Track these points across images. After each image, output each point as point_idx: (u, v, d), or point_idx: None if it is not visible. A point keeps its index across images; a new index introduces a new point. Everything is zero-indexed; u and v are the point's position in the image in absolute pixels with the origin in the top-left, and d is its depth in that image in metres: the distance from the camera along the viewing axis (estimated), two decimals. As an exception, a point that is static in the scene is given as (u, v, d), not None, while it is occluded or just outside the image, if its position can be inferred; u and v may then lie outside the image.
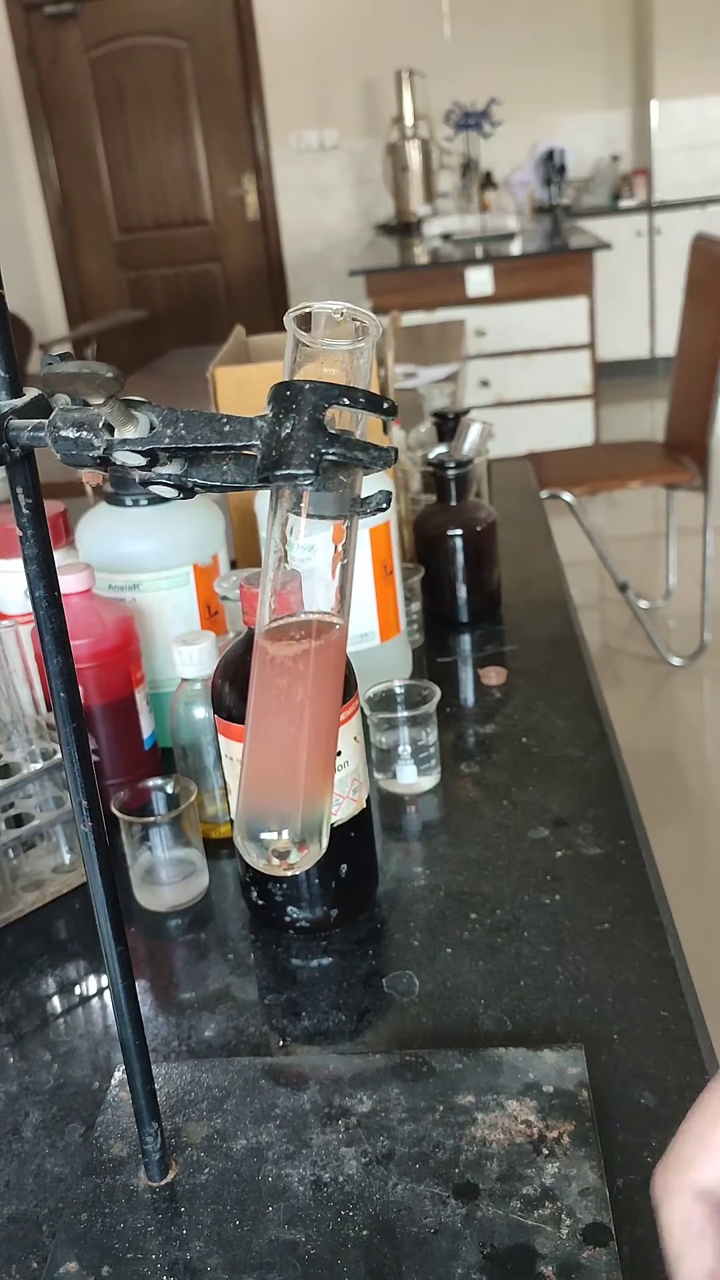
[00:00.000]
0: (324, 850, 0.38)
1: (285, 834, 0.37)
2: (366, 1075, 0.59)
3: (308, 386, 0.35)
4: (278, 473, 0.35)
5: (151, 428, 0.36)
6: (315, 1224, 0.52)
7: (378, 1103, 0.57)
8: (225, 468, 0.37)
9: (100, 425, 0.36)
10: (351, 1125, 0.56)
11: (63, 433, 0.36)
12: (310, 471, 0.35)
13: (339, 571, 0.38)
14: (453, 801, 0.88)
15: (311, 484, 0.35)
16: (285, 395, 0.35)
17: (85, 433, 0.36)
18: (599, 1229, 0.49)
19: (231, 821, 0.74)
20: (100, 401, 0.36)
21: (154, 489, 0.38)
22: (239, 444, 0.36)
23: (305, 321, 0.37)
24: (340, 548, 0.38)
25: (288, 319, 0.37)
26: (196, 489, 0.38)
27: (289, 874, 0.38)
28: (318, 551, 0.38)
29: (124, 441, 0.36)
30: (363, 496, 0.37)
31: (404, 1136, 0.55)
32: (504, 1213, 0.51)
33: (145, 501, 0.95)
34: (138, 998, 0.52)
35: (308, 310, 0.37)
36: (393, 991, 0.69)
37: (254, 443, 0.36)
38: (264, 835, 0.37)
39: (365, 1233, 0.51)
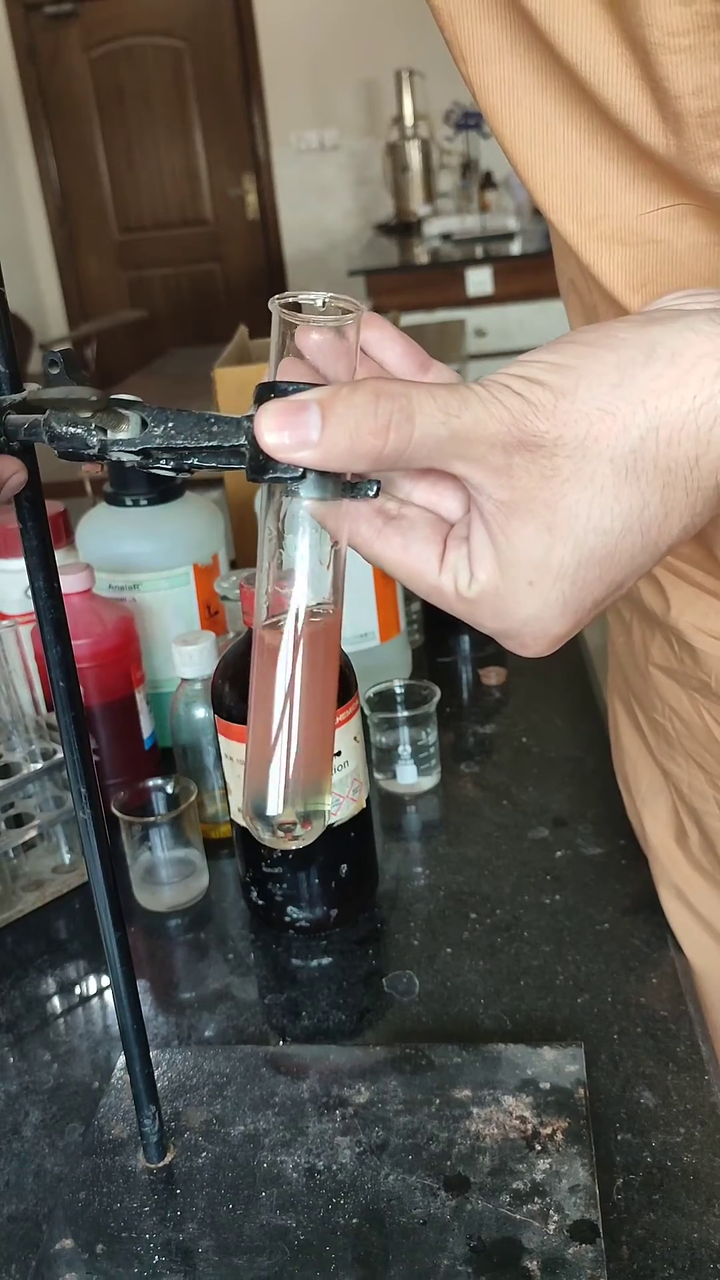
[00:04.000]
0: (326, 824, 0.40)
1: (289, 808, 0.39)
2: (365, 1066, 0.60)
3: (291, 388, 0.35)
4: (266, 476, 0.36)
5: (143, 425, 0.37)
6: (306, 1211, 0.52)
7: (375, 1094, 0.58)
8: (220, 456, 0.38)
9: (93, 428, 0.37)
10: (348, 1115, 0.57)
11: (57, 430, 0.37)
12: (298, 474, 0.35)
13: (332, 557, 0.39)
14: (453, 801, 0.88)
15: (301, 483, 0.36)
16: (269, 398, 0.35)
17: (80, 429, 0.37)
18: (586, 1226, 0.50)
19: (231, 821, 0.75)
20: (88, 415, 0.37)
21: (153, 471, 0.39)
22: (227, 444, 0.36)
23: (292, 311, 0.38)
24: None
25: (273, 303, 0.38)
26: (194, 468, 0.38)
27: (294, 846, 0.40)
28: (310, 539, 0.38)
29: (117, 442, 0.37)
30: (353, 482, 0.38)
31: (399, 1128, 0.56)
32: (493, 1206, 0.51)
33: (145, 501, 0.96)
34: (135, 981, 0.53)
35: (294, 300, 0.38)
36: (393, 991, 0.69)
37: (242, 442, 0.36)
38: (268, 810, 0.39)
39: (355, 1221, 0.51)
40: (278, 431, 0.34)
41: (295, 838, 0.39)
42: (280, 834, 0.39)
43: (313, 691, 0.39)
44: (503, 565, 0.37)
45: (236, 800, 0.73)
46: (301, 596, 0.38)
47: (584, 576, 0.36)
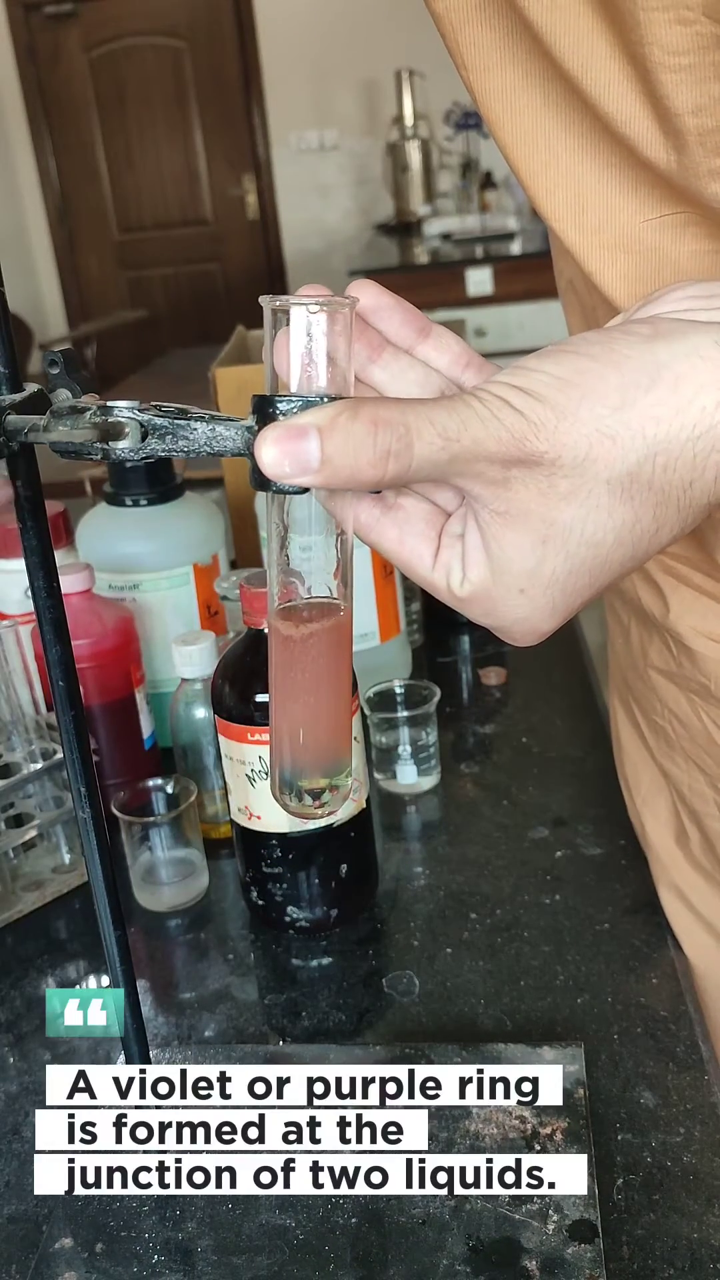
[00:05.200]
0: (351, 793, 0.42)
1: (315, 777, 0.41)
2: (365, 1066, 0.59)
3: (289, 404, 0.35)
4: (270, 489, 0.36)
5: (143, 435, 0.37)
6: (305, 1210, 0.52)
7: None
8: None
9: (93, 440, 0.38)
10: None
11: (56, 435, 0.38)
12: (301, 489, 0.36)
13: (339, 545, 0.40)
14: (453, 801, 0.88)
15: (303, 494, 0.36)
16: (268, 412, 0.36)
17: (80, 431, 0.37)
18: (585, 1226, 0.50)
19: (232, 821, 0.75)
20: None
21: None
22: (227, 451, 0.37)
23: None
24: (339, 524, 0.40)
25: (264, 300, 0.38)
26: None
27: (321, 815, 0.43)
28: (316, 528, 0.39)
29: (118, 449, 0.37)
30: None
31: None
32: (492, 1206, 0.51)
33: (145, 501, 0.96)
34: (135, 981, 0.53)
35: (284, 307, 0.38)
36: (393, 991, 0.69)
37: (241, 450, 0.36)
38: (300, 781, 0.41)
39: (354, 1220, 0.52)
40: (279, 460, 0.35)
41: (323, 804, 0.42)
42: (309, 801, 0.41)
43: (330, 674, 0.41)
44: (495, 572, 0.38)
45: (237, 800, 0.73)
46: (311, 592, 0.39)
47: (574, 584, 0.38)
